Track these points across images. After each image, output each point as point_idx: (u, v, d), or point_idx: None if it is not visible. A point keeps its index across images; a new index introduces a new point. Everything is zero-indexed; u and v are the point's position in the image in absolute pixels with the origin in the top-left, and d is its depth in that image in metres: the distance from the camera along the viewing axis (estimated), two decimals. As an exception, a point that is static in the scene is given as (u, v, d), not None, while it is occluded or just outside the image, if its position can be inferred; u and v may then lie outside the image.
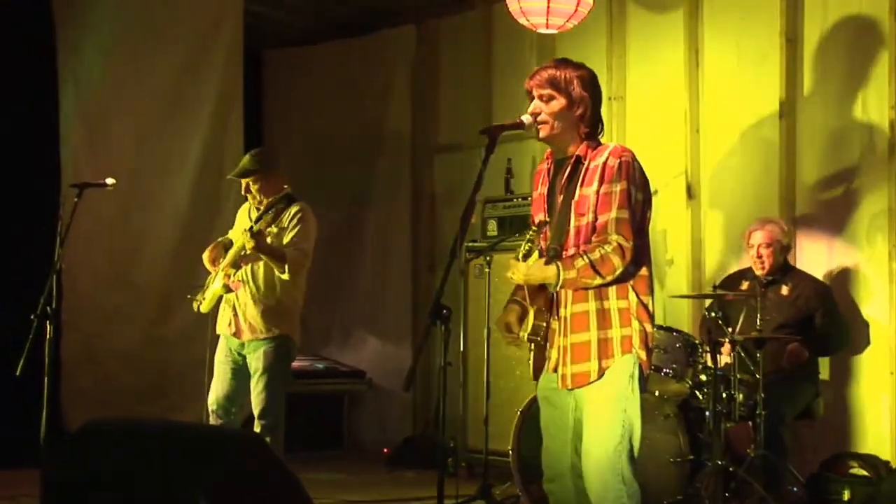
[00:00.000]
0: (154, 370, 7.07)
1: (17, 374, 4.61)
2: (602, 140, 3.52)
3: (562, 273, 3.26)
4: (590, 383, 3.34)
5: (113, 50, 7.07)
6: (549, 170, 3.56)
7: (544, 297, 3.43)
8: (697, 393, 5.07)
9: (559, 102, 3.43)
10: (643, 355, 3.36)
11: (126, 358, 7.02)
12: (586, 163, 3.41)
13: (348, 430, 7.74)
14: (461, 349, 6.31)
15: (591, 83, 3.47)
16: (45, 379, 4.65)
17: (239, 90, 7.55)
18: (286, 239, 5.05)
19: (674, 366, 5.03)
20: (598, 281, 3.29)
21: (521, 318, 3.54)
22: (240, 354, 5.14)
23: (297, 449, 6.17)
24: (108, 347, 6.98)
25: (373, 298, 8.13)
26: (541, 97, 3.45)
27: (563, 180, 3.43)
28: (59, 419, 6.39)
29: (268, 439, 4.88)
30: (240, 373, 5.12)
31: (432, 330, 3.11)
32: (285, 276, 4.95)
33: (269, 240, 4.95)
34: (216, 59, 7.43)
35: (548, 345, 3.45)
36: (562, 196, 3.43)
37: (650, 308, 3.40)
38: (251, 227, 4.88)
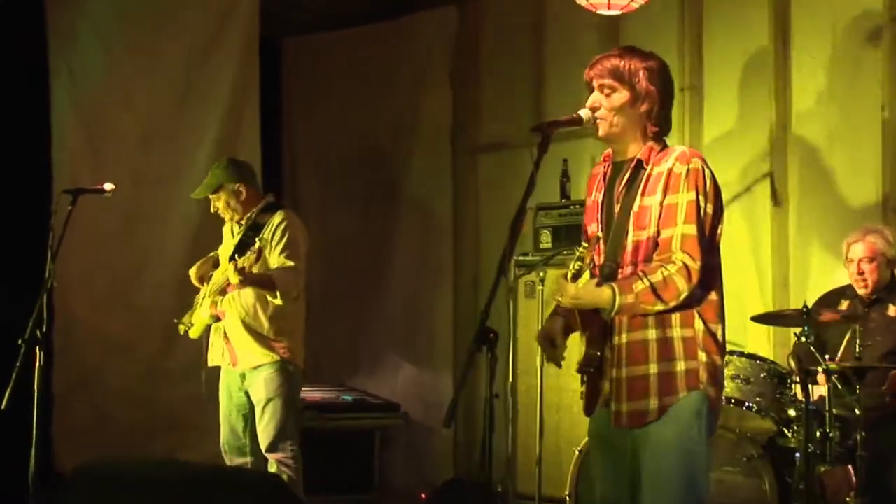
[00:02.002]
0: (159, 403, 7.10)
1: (2, 407, 4.64)
2: (670, 139, 3.50)
3: (618, 297, 3.25)
4: (647, 423, 3.31)
5: (112, 37, 7.13)
6: (605, 174, 3.56)
7: (598, 323, 3.41)
8: (786, 431, 5.02)
9: (621, 96, 3.42)
10: (712, 392, 3.33)
11: (127, 390, 7.05)
12: (649, 168, 3.40)
13: (379, 471, 7.72)
14: (510, 379, 6.29)
15: (660, 76, 3.46)
16: (35, 413, 4.68)
17: (255, 83, 7.59)
18: (272, 256, 5.11)
19: (758, 399, 4.98)
20: (660, 307, 3.27)
21: (567, 332, 3.53)
22: (240, 388, 5.21)
23: (321, 492, 6.18)
24: (107, 378, 7.01)
25: (407, 320, 8.13)
26: (601, 89, 3.44)
27: (622, 187, 3.42)
28: (50, 459, 6.43)
29: (284, 476, 4.92)
30: (244, 406, 5.19)
31: (477, 357, 3.10)
32: (278, 302, 5.03)
33: (252, 264, 4.98)
34: (229, 48, 7.47)
35: (600, 379, 3.43)
36: (619, 205, 3.42)
37: (720, 338, 3.38)
38: (233, 258, 4.97)
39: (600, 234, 3.43)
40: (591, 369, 3.42)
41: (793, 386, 5.03)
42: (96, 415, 6.94)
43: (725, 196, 6.01)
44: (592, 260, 3.39)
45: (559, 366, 3.57)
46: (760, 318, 5.58)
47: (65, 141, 6.99)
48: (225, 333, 5.26)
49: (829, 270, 5.93)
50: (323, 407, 7.16)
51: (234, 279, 4.90)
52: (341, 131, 8.42)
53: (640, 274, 3.27)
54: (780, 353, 5.89)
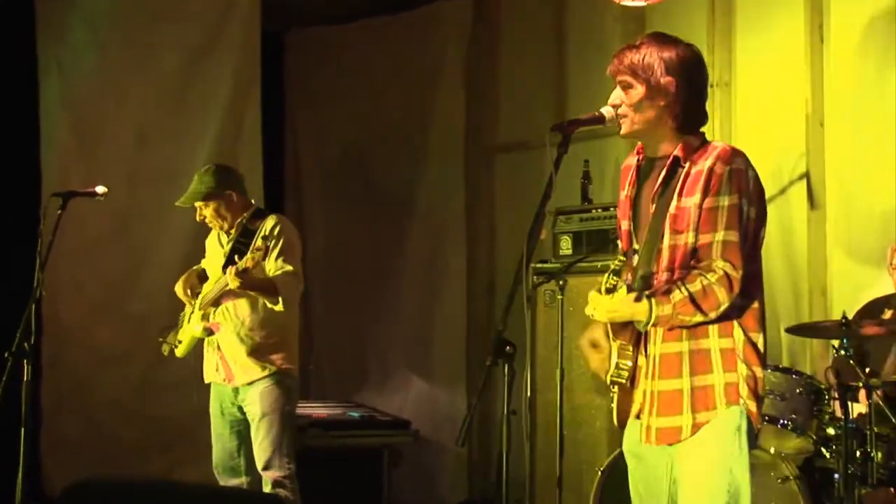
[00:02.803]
0: (155, 418, 7.11)
1: (-12, 423, 4.65)
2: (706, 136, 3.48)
3: (654, 309, 3.24)
4: (679, 441, 3.31)
5: (105, 31, 7.16)
6: (638, 167, 3.54)
7: (630, 332, 3.42)
8: (824, 450, 5.00)
9: (637, 91, 3.41)
10: (752, 406, 3.32)
11: (120, 404, 7.07)
12: (686, 166, 3.37)
13: (388, 492, 7.71)
14: (527, 394, 6.26)
15: (681, 65, 3.42)
16: (22, 430, 4.69)
17: (257, 79, 7.61)
18: (269, 262, 5.11)
19: (794, 416, 4.97)
20: (699, 318, 3.27)
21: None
22: (233, 403, 5.22)
23: (326, 515, 6.17)
24: (99, 392, 7.03)
25: (418, 331, 8.13)
26: (621, 85, 3.43)
27: (658, 186, 3.40)
28: (38, 479, 6.44)
29: (282, 494, 4.94)
30: (239, 423, 5.20)
31: (493, 370, 3.09)
32: (280, 308, 5.03)
33: (259, 262, 5.00)
34: (230, 42, 7.49)
35: (633, 389, 3.44)
36: (654, 206, 3.40)
37: (761, 348, 3.37)
38: (230, 263, 5.01)
39: (636, 247, 3.41)
40: (623, 380, 3.42)
41: (831, 402, 5.01)
42: (88, 431, 6.96)
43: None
44: (627, 276, 3.38)
45: (603, 374, 3.55)
46: (796, 330, 5.55)
47: (54, 141, 7.00)
48: (219, 347, 5.26)
49: (870, 278, 5.89)
50: (328, 424, 7.15)
51: (234, 283, 4.91)
52: (348, 130, 8.43)
53: (679, 283, 3.26)
54: (817, 367, 5.86)
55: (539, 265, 6.42)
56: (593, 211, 6.49)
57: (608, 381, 3.47)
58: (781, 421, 4.97)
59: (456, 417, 7.49)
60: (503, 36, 7.88)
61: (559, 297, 5.99)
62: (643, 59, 3.41)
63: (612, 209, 6.32)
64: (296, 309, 5.30)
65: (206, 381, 5.39)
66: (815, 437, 5.00)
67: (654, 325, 3.29)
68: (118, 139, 7.17)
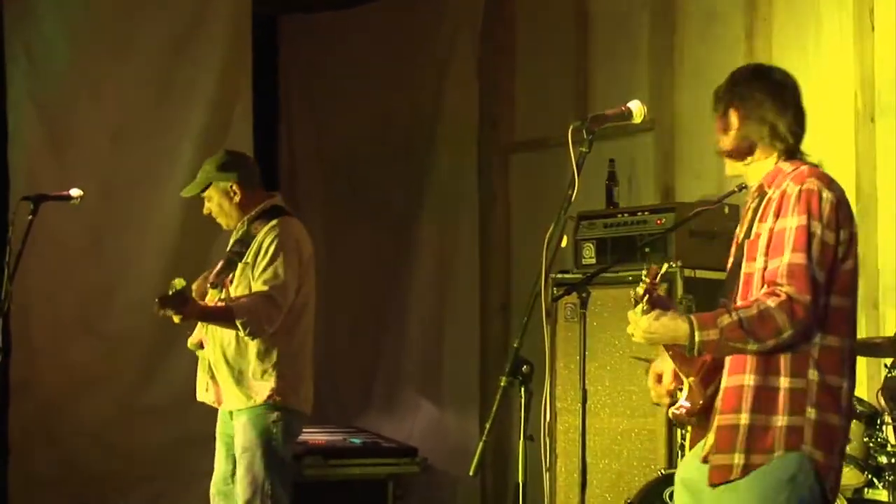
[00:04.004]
0: (136, 447, 7.12)
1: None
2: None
3: (697, 333, 3.29)
4: (730, 481, 3.35)
5: (79, 17, 7.17)
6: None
7: (698, 365, 3.48)
8: (876, 481, 4.99)
9: (731, 127, 3.57)
10: (819, 457, 3.33)
11: (98, 431, 7.07)
12: (770, 191, 3.48)
13: (394, 527, 7.73)
14: (547, 418, 6.24)
15: (763, 87, 3.58)
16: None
17: (247, 69, 7.63)
18: (254, 279, 5.08)
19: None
20: (753, 346, 3.31)
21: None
22: (230, 425, 5.23)
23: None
24: (74, 418, 7.03)
25: (427, 349, 8.14)
26: (719, 121, 3.60)
27: (748, 214, 3.55)
28: (7, 513, 6.46)
29: None
30: (233, 449, 5.20)
31: (508, 392, 3.11)
32: (245, 336, 5.00)
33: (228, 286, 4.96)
34: (217, 28, 7.51)
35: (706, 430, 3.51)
36: (742, 234, 3.54)
37: (843, 396, 3.39)
38: (216, 284, 5.03)
39: (670, 264, 3.51)
40: (693, 419, 3.51)
41: (884, 428, 5.00)
42: (61, 462, 6.95)
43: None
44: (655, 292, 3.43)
45: (667, 408, 3.63)
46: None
47: (23, 139, 7.02)
48: (210, 366, 5.26)
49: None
50: (328, 452, 7.16)
51: (176, 319, 4.84)
52: (349, 127, 8.44)
53: (734, 308, 3.32)
54: (869, 388, 5.86)
55: (559, 275, 6.43)
56: (619, 216, 6.50)
57: (672, 417, 3.58)
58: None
59: (468, 444, 7.48)
60: (519, 22, 7.89)
61: (581, 310, 5.98)
62: (724, 90, 3.61)
63: (639, 214, 6.34)
64: (296, 334, 5.24)
65: (199, 400, 5.38)
66: (865, 466, 4.99)
67: (701, 351, 3.33)
68: (94, 137, 7.17)
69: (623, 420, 6.13)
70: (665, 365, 3.59)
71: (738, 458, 3.34)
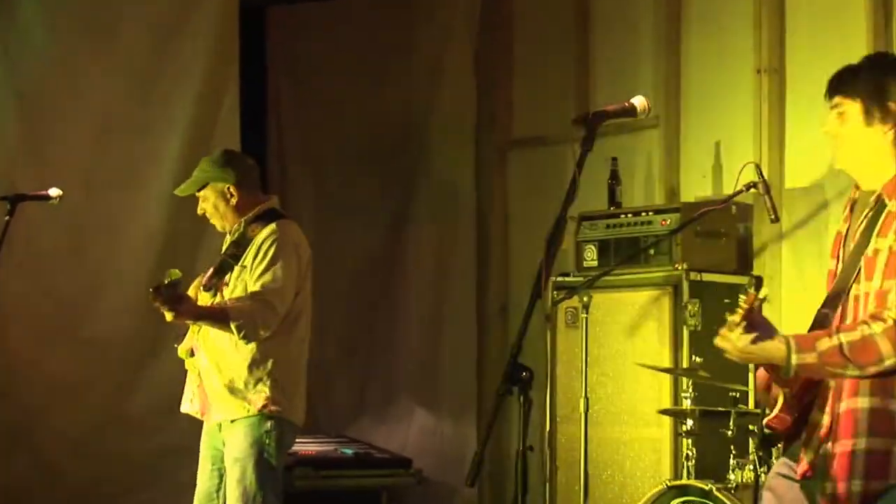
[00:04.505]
0: (119, 457, 7.11)
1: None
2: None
3: (793, 356, 3.29)
4: None
5: (58, 10, 7.16)
6: (854, 202, 3.61)
7: (799, 381, 3.47)
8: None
9: (853, 116, 3.52)
10: None
11: (79, 441, 7.06)
12: (890, 203, 3.43)
13: (388, 540, 7.73)
14: (547, 428, 6.28)
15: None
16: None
17: (234, 64, 7.62)
18: (250, 281, 5.08)
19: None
20: (853, 372, 3.31)
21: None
22: (217, 438, 5.22)
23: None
24: (54, 427, 7.02)
25: (422, 354, 8.14)
26: (834, 110, 3.57)
27: (861, 224, 3.47)
28: (-17, 527, 6.46)
29: None
30: (220, 462, 5.21)
31: (506, 400, 3.11)
32: (240, 339, 5.00)
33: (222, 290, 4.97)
34: (203, 18, 7.50)
35: (801, 446, 3.50)
36: (853, 245, 3.48)
37: None
38: (209, 286, 5.02)
39: (758, 280, 3.47)
40: (778, 438, 3.63)
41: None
42: (42, 472, 6.94)
43: (812, 206, 6.09)
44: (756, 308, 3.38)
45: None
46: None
47: (1, 136, 7.02)
48: (200, 375, 5.26)
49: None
50: (318, 463, 7.16)
51: (169, 316, 4.84)
52: (340, 123, 8.43)
53: (835, 330, 3.32)
54: None
55: (560, 279, 6.43)
56: (622, 216, 6.50)
57: (764, 426, 3.67)
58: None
59: (464, 455, 7.49)
60: (518, 14, 7.89)
61: (583, 315, 6.00)
62: (860, 75, 3.58)
63: (643, 214, 6.34)
64: (292, 341, 5.23)
65: (183, 411, 5.38)
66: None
67: (798, 373, 3.33)
68: (74, 133, 7.16)
69: (627, 430, 6.13)
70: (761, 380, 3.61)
71: (855, 487, 3.34)
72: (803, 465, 3.48)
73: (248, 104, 7.77)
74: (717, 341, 3.41)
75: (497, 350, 7.69)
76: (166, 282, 4.75)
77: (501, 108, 7.94)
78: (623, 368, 6.18)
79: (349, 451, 7.74)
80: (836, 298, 3.45)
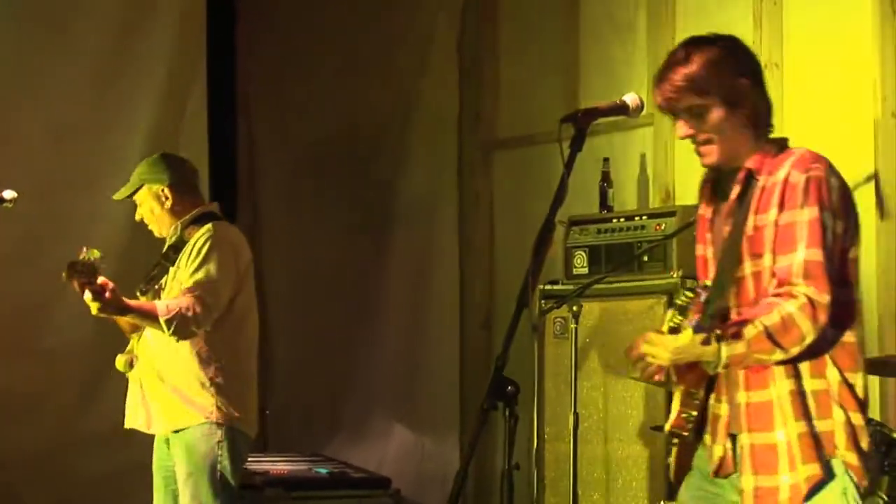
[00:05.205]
0: (77, 476, 7.11)
1: None
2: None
3: (724, 348, 3.30)
4: None
5: (12, 3, 7.15)
6: (713, 182, 3.64)
7: (698, 375, 3.49)
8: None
9: (717, 111, 3.48)
10: (853, 459, 3.40)
11: (34, 459, 7.05)
12: (762, 178, 3.46)
13: (364, 566, 7.73)
14: (534, 445, 6.28)
15: (739, 57, 3.53)
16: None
17: (201, 57, 7.63)
18: (184, 280, 5.11)
19: (861, 472, 4.95)
20: (779, 356, 3.34)
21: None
22: (167, 454, 5.24)
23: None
24: (7, 445, 7.01)
25: (402, 367, 8.14)
26: (688, 113, 3.50)
27: (731, 203, 3.50)
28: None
29: None
30: (172, 479, 5.22)
31: (491, 416, 3.11)
32: (170, 335, 5.02)
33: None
34: (167, 12, 7.51)
35: (709, 438, 3.52)
36: (728, 227, 3.50)
37: (860, 391, 3.44)
38: (144, 290, 5.08)
39: (706, 284, 3.44)
40: (685, 433, 3.52)
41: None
42: (-4, 492, 6.95)
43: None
44: (693, 313, 3.38)
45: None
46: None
47: (-49, 136, 7.02)
48: (142, 385, 5.28)
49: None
50: (291, 483, 7.15)
51: (94, 308, 4.89)
52: (315, 123, 8.44)
53: (753, 317, 3.32)
54: (889, 412, 5.89)
55: (548, 287, 6.44)
56: (614, 220, 6.51)
57: (667, 433, 3.56)
58: (845, 478, 4.96)
59: (446, 474, 7.49)
60: (505, 6, 7.91)
61: (572, 325, 6.01)
62: (706, 70, 3.47)
63: (636, 218, 6.35)
64: (241, 343, 5.27)
65: (128, 426, 5.39)
66: (886, 498, 5.00)
67: (727, 366, 3.35)
68: (29, 133, 7.15)
69: (618, 447, 6.13)
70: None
71: (783, 480, 3.38)
72: (714, 462, 3.51)
73: (216, 104, 7.77)
74: (645, 348, 3.40)
75: (481, 362, 7.69)
76: (82, 257, 4.79)
77: (486, 104, 7.94)
78: (614, 382, 6.18)
79: (323, 471, 7.73)
80: (723, 287, 3.43)
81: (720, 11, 6.75)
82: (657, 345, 3.38)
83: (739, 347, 3.30)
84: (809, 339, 3.32)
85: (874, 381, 6.02)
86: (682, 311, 3.35)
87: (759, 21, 6.60)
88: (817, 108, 6.45)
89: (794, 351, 3.32)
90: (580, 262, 6.55)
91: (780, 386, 3.39)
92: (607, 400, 6.22)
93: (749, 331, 3.30)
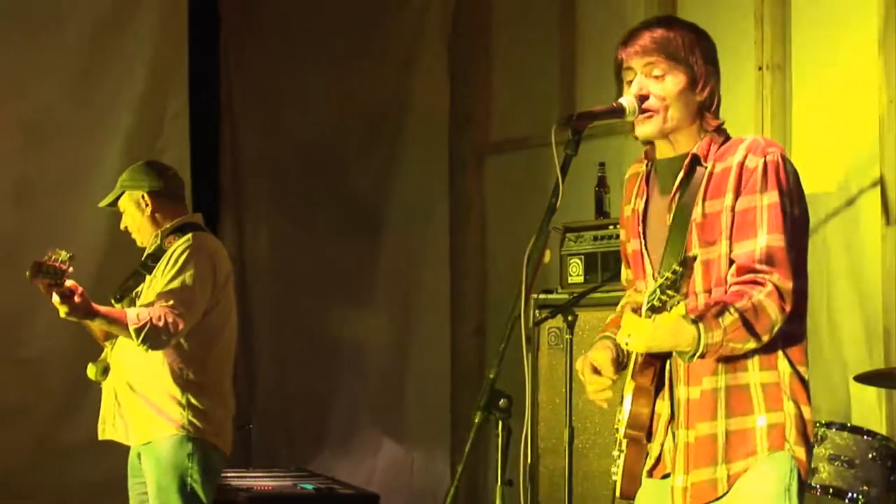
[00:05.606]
0: (56, 488, 7.11)
1: None
2: (746, 133, 3.53)
3: (703, 336, 3.25)
4: (717, 499, 3.37)
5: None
6: (647, 175, 3.61)
7: (654, 371, 3.47)
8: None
9: (677, 80, 3.47)
10: (801, 453, 3.38)
11: (12, 472, 7.05)
12: (709, 164, 3.44)
13: (352, 583, 7.72)
14: (528, 460, 6.27)
15: (712, 49, 3.56)
16: None
17: (183, 56, 7.62)
18: (160, 289, 5.13)
19: (865, 489, 4.97)
20: (752, 345, 3.31)
21: (620, 363, 3.57)
22: (139, 466, 5.26)
23: None
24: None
25: (391, 378, 8.14)
26: (648, 70, 3.49)
27: (674, 192, 3.46)
28: None
29: None
30: (145, 494, 5.22)
31: (483, 429, 3.11)
32: (139, 345, 5.02)
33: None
34: (148, 18, 7.52)
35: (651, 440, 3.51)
36: (671, 216, 3.47)
37: (807, 382, 3.43)
38: (119, 297, 5.07)
39: (695, 256, 3.38)
40: (640, 433, 3.50)
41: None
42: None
43: (820, 211, 6.12)
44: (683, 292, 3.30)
45: (604, 403, 3.61)
46: (868, 378, 5.59)
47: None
48: (115, 396, 5.29)
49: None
50: (275, 499, 7.14)
51: (62, 311, 4.89)
52: (302, 125, 8.43)
53: (725, 303, 3.28)
54: (891, 424, 5.89)
55: (542, 296, 6.44)
56: (610, 227, 6.51)
57: (620, 436, 3.56)
58: (850, 494, 4.96)
59: (436, 489, 7.50)
60: (498, 5, 7.92)
61: (567, 336, 6.00)
62: (682, 40, 3.49)
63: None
64: (213, 354, 5.27)
65: (102, 438, 5.40)
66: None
67: (702, 356, 3.29)
68: (5, 136, 7.16)
69: (615, 462, 6.13)
70: (600, 356, 3.55)
71: (721, 472, 3.36)
72: (651, 462, 3.52)
73: (199, 106, 7.77)
74: (620, 335, 3.35)
75: (473, 370, 7.70)
76: (47, 258, 4.80)
77: (479, 107, 7.96)
78: (612, 395, 6.17)
79: (309, 487, 7.72)
80: (680, 272, 3.33)
81: (723, 11, 6.77)
82: (634, 329, 3.30)
83: (716, 335, 3.25)
84: (777, 327, 3.30)
85: (880, 393, 6.04)
86: (670, 288, 3.25)
87: (761, 20, 6.62)
88: (822, 111, 6.46)
89: (765, 339, 3.30)
90: (575, 271, 6.55)
91: (723, 378, 3.38)
92: (604, 413, 6.20)
93: (726, 318, 3.25)
